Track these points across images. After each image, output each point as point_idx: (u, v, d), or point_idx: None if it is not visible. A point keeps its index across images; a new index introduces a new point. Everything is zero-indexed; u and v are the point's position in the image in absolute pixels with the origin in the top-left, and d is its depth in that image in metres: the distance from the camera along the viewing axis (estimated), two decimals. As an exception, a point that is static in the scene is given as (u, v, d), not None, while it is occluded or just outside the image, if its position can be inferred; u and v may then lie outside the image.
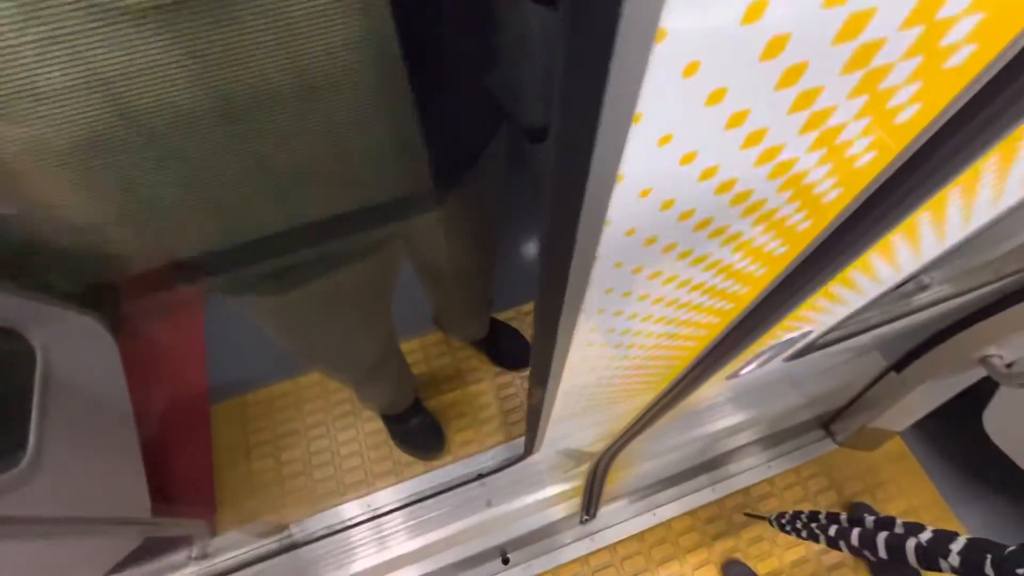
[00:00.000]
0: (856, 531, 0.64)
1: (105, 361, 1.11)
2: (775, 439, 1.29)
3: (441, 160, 0.52)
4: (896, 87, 0.18)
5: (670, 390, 0.46)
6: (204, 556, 0.99)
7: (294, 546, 0.98)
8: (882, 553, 0.59)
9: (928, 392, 1.07)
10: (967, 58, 0.18)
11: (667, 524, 1.22)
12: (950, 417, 1.14)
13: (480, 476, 1.07)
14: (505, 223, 1.57)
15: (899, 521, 0.60)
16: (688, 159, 0.19)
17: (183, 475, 1.25)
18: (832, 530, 0.68)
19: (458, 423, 1.33)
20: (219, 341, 1.45)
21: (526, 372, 1.39)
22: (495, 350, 1.37)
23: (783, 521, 0.82)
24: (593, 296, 0.27)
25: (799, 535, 0.77)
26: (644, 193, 0.20)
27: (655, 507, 1.23)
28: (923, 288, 0.78)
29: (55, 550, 0.83)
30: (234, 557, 0.85)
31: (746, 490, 1.26)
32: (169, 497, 1.15)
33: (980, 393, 1.02)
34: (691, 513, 1.24)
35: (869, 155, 0.21)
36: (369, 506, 1.17)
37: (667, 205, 0.21)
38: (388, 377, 1.02)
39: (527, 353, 1.39)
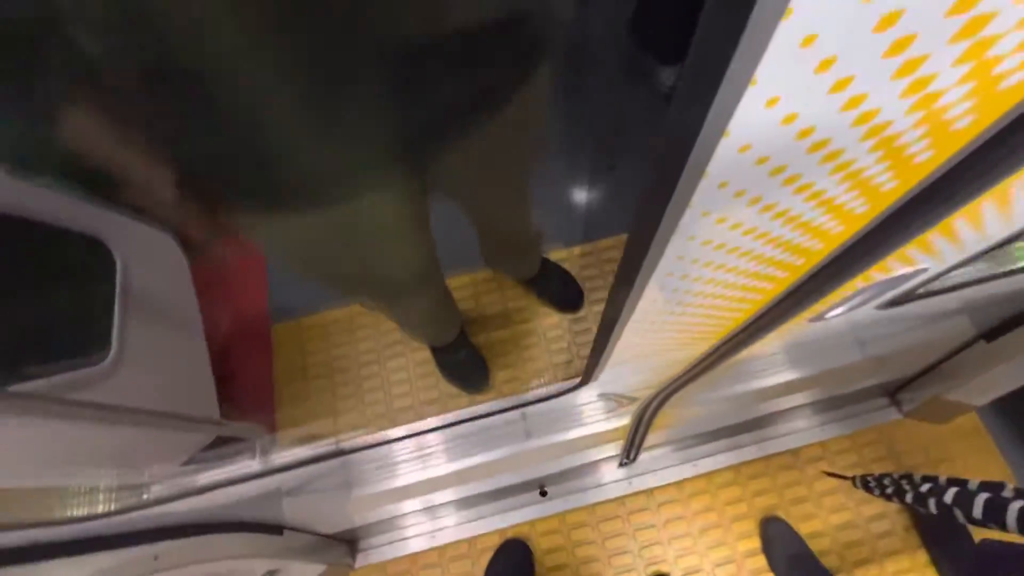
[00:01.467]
0: (953, 490, 0.61)
1: (177, 274, 1.17)
2: (833, 403, 1.22)
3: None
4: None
5: (752, 322, 0.43)
6: (266, 457, 1.07)
7: (343, 452, 1.04)
8: (976, 513, 0.56)
9: (1018, 367, 0.97)
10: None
11: (708, 476, 1.21)
12: (1039, 396, 1.04)
13: (522, 407, 1.08)
14: (560, 164, 1.51)
15: (1009, 486, 0.56)
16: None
17: (248, 386, 1.35)
18: (925, 487, 0.66)
19: (503, 360, 1.35)
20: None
21: (574, 314, 1.37)
22: (545, 290, 1.36)
23: (868, 479, 0.80)
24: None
25: (883, 492, 0.75)
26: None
27: (697, 458, 1.22)
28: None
29: (138, 438, 0.92)
30: (291, 456, 0.92)
31: (795, 451, 1.22)
32: (235, 405, 1.24)
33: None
34: (734, 468, 1.22)
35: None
36: (416, 429, 1.22)
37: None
38: (426, 308, 1.01)
39: (577, 295, 1.36)
